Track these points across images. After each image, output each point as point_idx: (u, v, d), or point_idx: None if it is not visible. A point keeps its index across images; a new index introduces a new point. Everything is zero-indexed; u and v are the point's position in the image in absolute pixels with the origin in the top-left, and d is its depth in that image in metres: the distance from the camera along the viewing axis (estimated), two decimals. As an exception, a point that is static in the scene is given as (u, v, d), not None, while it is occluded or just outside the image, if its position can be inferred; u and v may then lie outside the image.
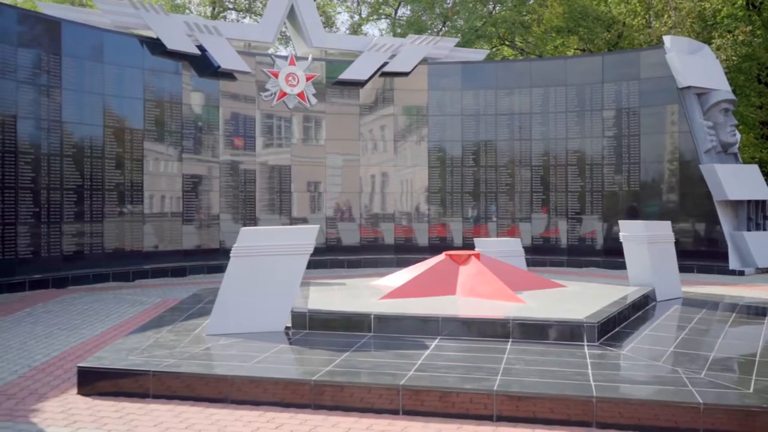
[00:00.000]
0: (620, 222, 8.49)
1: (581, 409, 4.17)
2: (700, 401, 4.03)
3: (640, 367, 4.94)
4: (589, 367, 4.85)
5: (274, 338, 5.83)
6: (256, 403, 4.60)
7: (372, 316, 6.03)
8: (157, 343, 5.70)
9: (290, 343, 5.72)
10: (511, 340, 5.68)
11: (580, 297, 7.09)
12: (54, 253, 11.59)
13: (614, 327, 6.11)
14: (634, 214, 14.29)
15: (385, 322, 6.00)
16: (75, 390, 4.93)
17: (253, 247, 6.10)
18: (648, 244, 7.90)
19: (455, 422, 4.23)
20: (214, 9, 24.70)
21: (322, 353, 5.33)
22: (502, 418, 4.27)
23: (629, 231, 8.10)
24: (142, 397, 4.76)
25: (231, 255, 6.14)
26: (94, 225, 12.30)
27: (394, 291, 7.04)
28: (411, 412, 4.39)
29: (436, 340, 5.69)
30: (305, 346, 5.61)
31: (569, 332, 5.62)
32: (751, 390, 4.26)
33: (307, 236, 6.22)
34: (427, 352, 5.32)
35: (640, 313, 7.09)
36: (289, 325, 6.20)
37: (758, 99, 21.61)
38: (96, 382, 4.87)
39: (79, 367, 4.96)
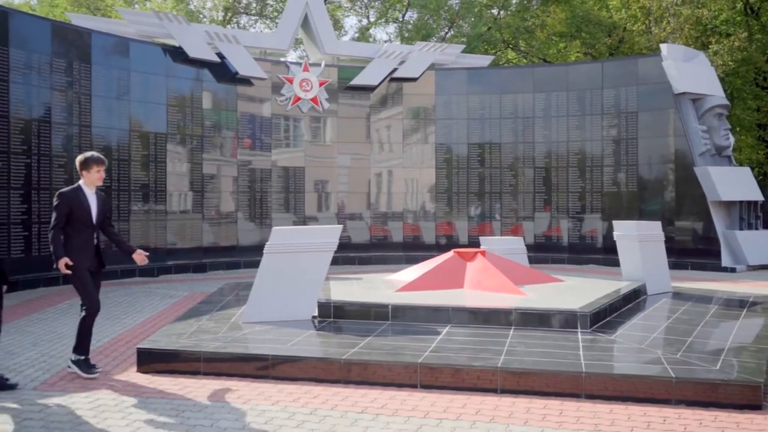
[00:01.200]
0: (614, 222, 9.21)
1: (572, 383, 4.90)
2: (673, 376, 4.76)
3: (626, 350, 5.67)
4: (581, 349, 5.58)
5: (303, 325, 6.57)
6: (293, 379, 5.33)
7: (390, 306, 6.77)
8: (201, 329, 6.45)
9: (318, 330, 6.46)
10: (513, 327, 6.40)
11: (576, 290, 7.80)
12: (85, 250, 12.33)
13: (606, 316, 6.83)
14: (642, 215, 14.86)
15: (401, 311, 6.73)
16: (134, 368, 5.68)
17: (284, 244, 6.83)
18: (639, 242, 8.61)
19: (465, 394, 4.96)
20: (226, 14, 25.42)
21: (347, 338, 6.07)
22: (505, 391, 5.00)
23: (622, 230, 8.82)
24: (194, 374, 5.50)
25: (264, 252, 6.86)
26: (121, 223, 13.07)
27: (408, 284, 7.78)
28: (427, 386, 5.13)
29: (447, 327, 6.42)
30: (331, 332, 6.35)
31: (565, 320, 6.34)
32: (717, 367, 4.99)
33: (332, 235, 6.97)
34: (440, 337, 6.06)
35: (631, 304, 7.81)
36: (316, 314, 6.94)
37: (755, 102, 22.26)
38: (153, 362, 5.62)
39: (138, 348, 5.72)
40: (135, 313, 8.81)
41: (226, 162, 14.84)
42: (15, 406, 4.73)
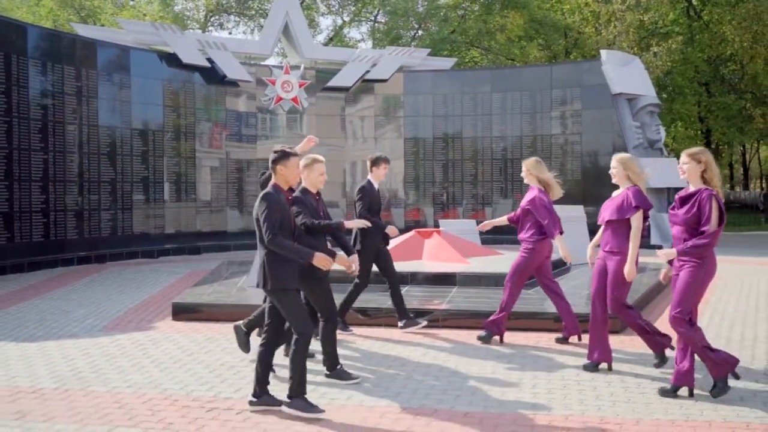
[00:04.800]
0: (545, 206, 11.21)
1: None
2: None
3: (535, 299, 7.67)
4: (503, 299, 7.54)
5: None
6: (290, 323, 7.21)
7: (362, 272, 8.66)
8: (215, 291, 8.30)
9: (306, 290, 8.33)
10: (456, 286, 8.35)
11: (510, 260, 9.72)
12: (94, 234, 14.02)
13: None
14: (585, 201, 16.75)
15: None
16: (170, 318, 7.52)
17: (279, 225, 8.67)
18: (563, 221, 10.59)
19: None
20: (207, 14, 26.91)
21: (329, 295, 7.96)
22: (444, 326, 6.95)
23: (551, 213, 10.81)
24: (216, 320, 7.36)
25: (263, 231, 8.69)
26: (125, 211, 14.76)
27: (377, 257, 9.68)
28: (389, 325, 7.06)
29: (407, 287, 8.32)
30: (317, 291, 8.23)
31: (495, 281, 8.30)
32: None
33: (316, 217, 8.83)
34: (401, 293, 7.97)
35: (555, 271, 9.80)
36: (304, 279, 8.81)
37: (694, 98, 24.54)
38: (185, 312, 7.46)
39: (173, 302, 7.57)
40: (152, 284, 10.61)
41: (215, 155, 16.57)
42: (95, 340, 6.54)
